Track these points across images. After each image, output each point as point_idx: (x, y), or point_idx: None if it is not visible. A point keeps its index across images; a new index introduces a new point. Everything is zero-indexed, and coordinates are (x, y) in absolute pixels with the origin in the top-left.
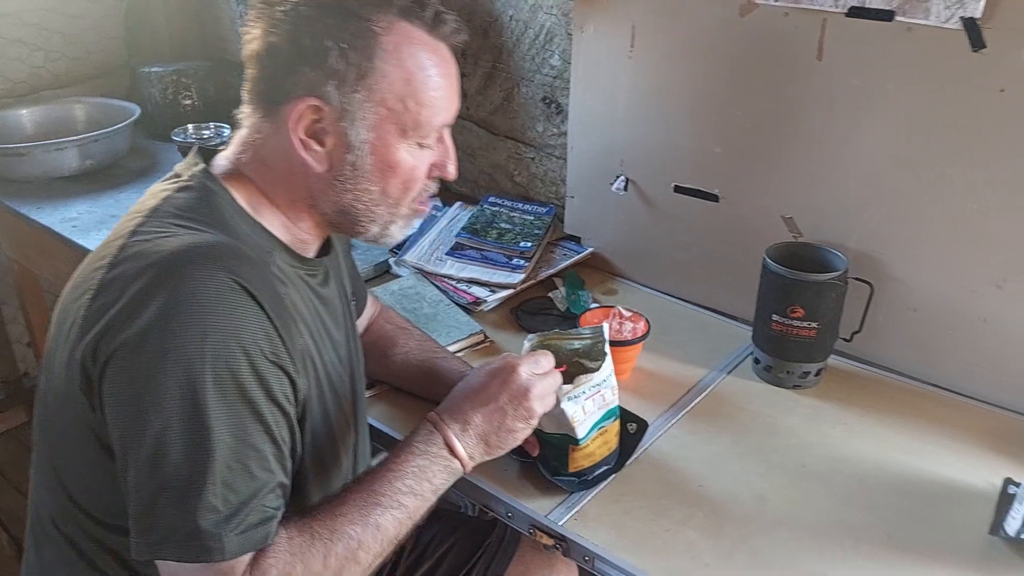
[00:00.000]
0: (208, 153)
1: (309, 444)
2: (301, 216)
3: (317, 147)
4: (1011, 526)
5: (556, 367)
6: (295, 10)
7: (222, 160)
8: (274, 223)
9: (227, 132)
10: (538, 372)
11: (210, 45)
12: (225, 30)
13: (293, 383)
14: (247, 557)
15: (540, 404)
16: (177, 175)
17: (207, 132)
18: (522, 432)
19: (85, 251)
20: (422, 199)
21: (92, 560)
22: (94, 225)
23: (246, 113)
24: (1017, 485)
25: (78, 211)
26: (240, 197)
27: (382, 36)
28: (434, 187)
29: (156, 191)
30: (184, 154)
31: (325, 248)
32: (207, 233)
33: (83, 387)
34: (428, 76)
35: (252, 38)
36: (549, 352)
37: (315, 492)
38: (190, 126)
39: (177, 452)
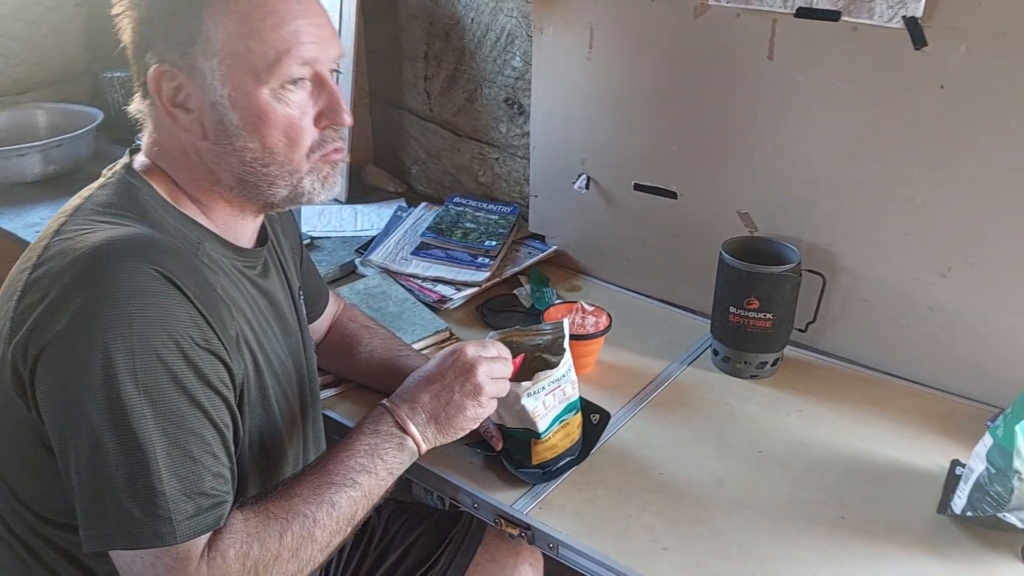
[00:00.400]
0: (137, 149)
1: (249, 431)
2: (213, 199)
3: (184, 114)
4: (957, 504)
5: (514, 358)
6: None
7: (140, 156)
8: (196, 212)
9: None
10: (485, 355)
11: None
12: None
13: (228, 368)
14: (202, 540)
15: (489, 383)
16: (103, 174)
17: None
18: (471, 410)
19: None
20: (325, 151)
21: (42, 558)
22: None
23: (136, 105)
24: (963, 466)
25: (41, 217)
26: (162, 190)
27: None
28: (337, 137)
29: (81, 192)
30: None
31: (262, 239)
32: (128, 226)
33: (16, 388)
34: (266, 11)
35: (122, 34)
36: (501, 343)
37: (255, 483)
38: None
39: (116, 444)
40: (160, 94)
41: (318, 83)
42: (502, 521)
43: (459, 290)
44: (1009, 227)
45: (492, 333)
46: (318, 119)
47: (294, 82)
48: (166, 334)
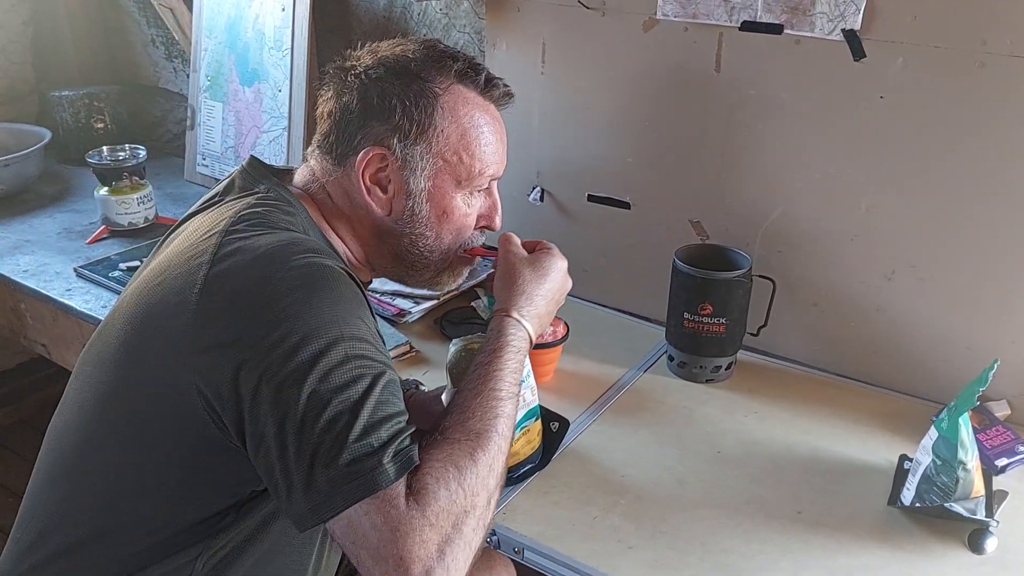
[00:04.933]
0: (267, 166)
1: None
2: (355, 247)
3: (380, 193)
4: (906, 497)
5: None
6: (365, 74)
7: (295, 184)
8: (336, 243)
9: (143, 153)
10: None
11: (121, 69)
12: (137, 55)
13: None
14: (403, 482)
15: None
16: (251, 190)
17: (123, 154)
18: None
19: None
20: (468, 247)
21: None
22: (7, 251)
23: (315, 156)
24: (911, 460)
25: None
26: (311, 213)
27: (441, 96)
28: (480, 238)
29: (232, 203)
30: (101, 177)
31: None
32: (301, 233)
33: (210, 410)
34: (481, 132)
35: (326, 99)
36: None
37: None
38: (105, 148)
39: (338, 410)
40: (364, 171)
41: (488, 191)
42: None
43: (417, 303)
44: (948, 230)
45: (455, 340)
46: (478, 220)
47: (480, 192)
48: (361, 308)
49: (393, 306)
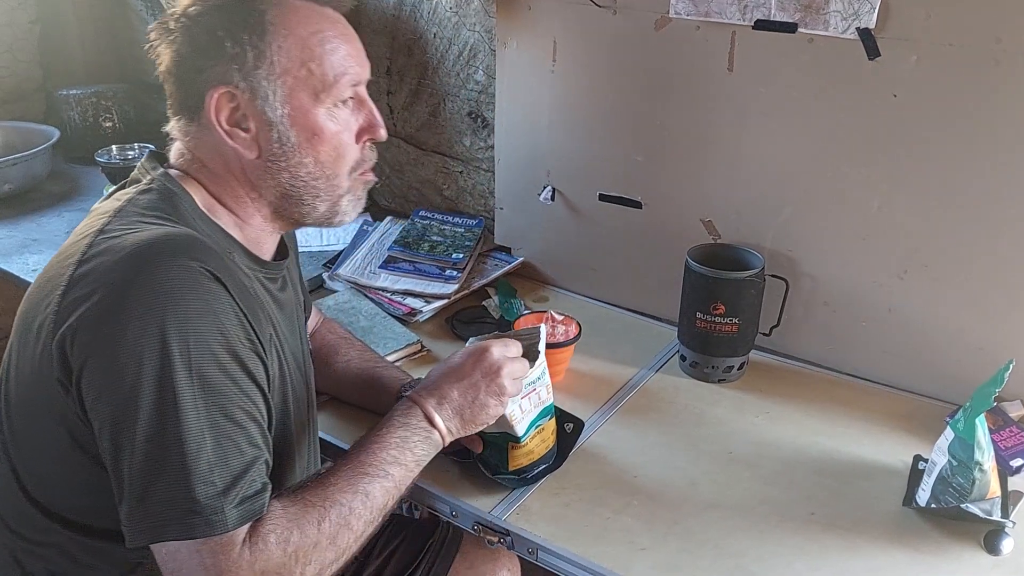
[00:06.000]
0: (162, 157)
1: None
2: (250, 213)
3: (243, 134)
4: (922, 497)
5: None
6: (185, 15)
7: (173, 167)
8: (228, 224)
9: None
10: (509, 355)
11: (128, 67)
12: (142, 52)
13: (264, 366)
14: (245, 528)
15: (511, 383)
16: (137, 179)
17: (132, 153)
18: (493, 408)
19: (6, 275)
20: (363, 169)
21: (44, 556)
22: (15, 249)
23: (173, 125)
24: (925, 461)
25: None
26: (198, 199)
27: (268, 12)
28: (373, 156)
29: (118, 195)
30: (110, 176)
31: (281, 252)
32: (173, 227)
33: (62, 379)
34: (323, 38)
35: (160, 57)
36: (519, 341)
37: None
38: (114, 147)
39: (169, 434)
40: (218, 115)
41: (359, 101)
42: (481, 528)
43: (428, 303)
44: (961, 229)
45: (472, 338)
46: (359, 135)
47: (344, 101)
48: (216, 329)
49: (404, 305)
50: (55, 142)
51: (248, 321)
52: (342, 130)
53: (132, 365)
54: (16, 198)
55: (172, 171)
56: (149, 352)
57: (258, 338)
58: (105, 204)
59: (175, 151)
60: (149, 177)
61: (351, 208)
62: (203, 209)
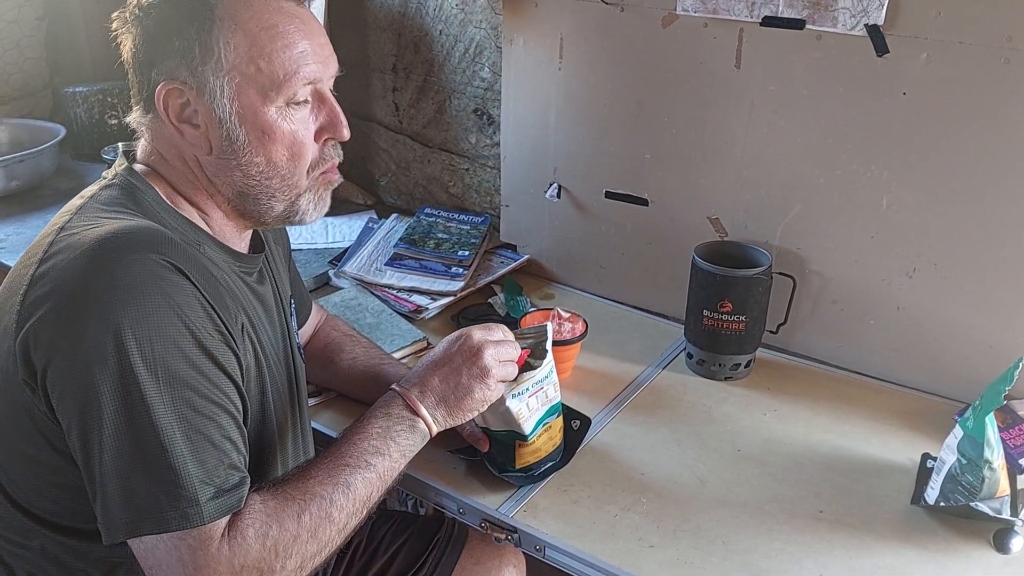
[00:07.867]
0: (130, 153)
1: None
2: (210, 207)
3: (192, 130)
4: (931, 495)
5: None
6: (139, 5)
7: (138, 164)
8: (195, 216)
9: None
10: (491, 338)
11: None
12: None
13: (236, 356)
14: (223, 522)
15: (497, 366)
16: (103, 177)
17: None
18: (479, 392)
19: None
20: (324, 168)
21: (24, 557)
22: (23, 246)
23: (133, 117)
24: (934, 459)
25: (6, 232)
26: (162, 193)
27: (217, 6)
28: (336, 155)
29: (83, 192)
30: None
31: (258, 246)
32: (133, 220)
33: (27, 379)
34: (275, 34)
35: (122, 47)
36: (505, 326)
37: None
38: (120, 144)
39: (138, 429)
40: (167, 110)
41: (319, 100)
42: (488, 525)
43: (434, 300)
44: (970, 227)
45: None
46: (319, 134)
47: (299, 101)
48: (179, 321)
49: (410, 303)
50: (62, 139)
51: (215, 312)
52: (297, 129)
53: (94, 363)
54: (23, 195)
55: (137, 166)
56: (109, 349)
57: (227, 329)
58: (70, 202)
59: (140, 145)
60: (112, 172)
61: (312, 208)
62: (168, 202)
